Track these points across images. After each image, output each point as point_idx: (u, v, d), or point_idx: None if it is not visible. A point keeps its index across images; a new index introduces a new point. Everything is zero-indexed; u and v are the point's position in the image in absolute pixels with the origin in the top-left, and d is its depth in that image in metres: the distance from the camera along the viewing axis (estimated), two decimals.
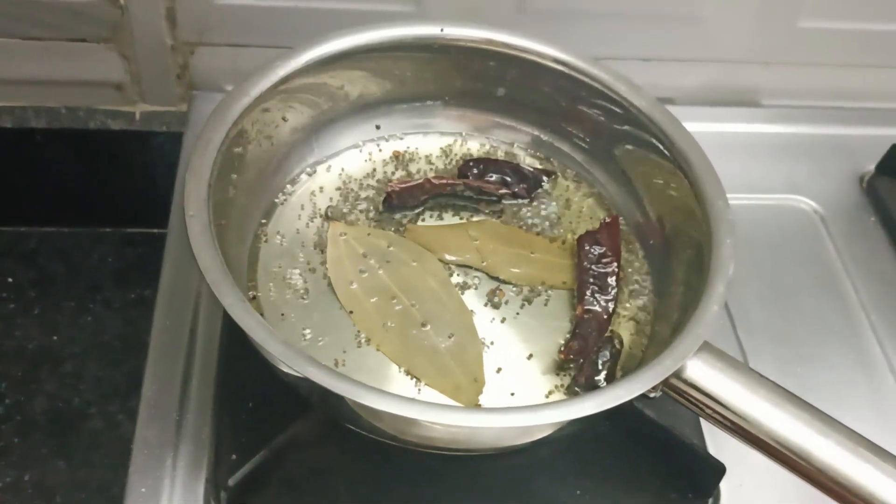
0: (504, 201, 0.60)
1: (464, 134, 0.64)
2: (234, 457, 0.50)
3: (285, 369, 0.43)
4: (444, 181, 0.59)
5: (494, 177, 0.60)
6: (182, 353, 0.55)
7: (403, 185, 0.57)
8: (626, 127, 0.59)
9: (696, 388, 0.46)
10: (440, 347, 0.51)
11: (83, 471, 0.67)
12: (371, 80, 0.60)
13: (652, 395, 0.45)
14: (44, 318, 0.74)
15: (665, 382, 0.45)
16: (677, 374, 0.45)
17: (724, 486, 0.53)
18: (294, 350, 0.43)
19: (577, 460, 0.53)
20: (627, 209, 0.61)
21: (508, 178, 0.60)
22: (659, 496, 0.53)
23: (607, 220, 0.58)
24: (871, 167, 0.75)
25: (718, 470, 0.52)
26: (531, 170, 0.61)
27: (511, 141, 0.64)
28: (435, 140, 0.63)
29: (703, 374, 0.46)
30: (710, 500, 0.53)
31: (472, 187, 0.59)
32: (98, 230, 0.79)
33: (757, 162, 0.74)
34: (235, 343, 0.53)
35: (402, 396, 0.42)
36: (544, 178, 0.61)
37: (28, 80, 0.70)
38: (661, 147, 0.57)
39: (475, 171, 0.60)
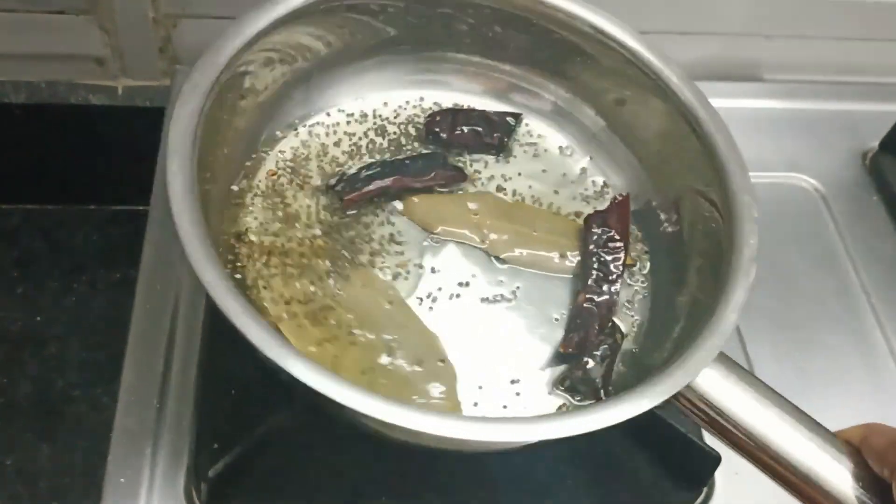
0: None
1: (479, 94, 0.60)
2: (215, 446, 0.49)
3: (267, 361, 0.41)
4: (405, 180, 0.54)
5: (465, 129, 0.57)
6: (163, 338, 0.54)
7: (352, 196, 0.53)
8: (653, 101, 0.55)
9: (705, 402, 0.42)
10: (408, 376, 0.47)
11: (67, 455, 0.66)
12: (359, 32, 0.56)
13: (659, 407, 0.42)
14: (27, 298, 0.73)
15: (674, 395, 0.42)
16: (688, 386, 0.42)
17: (719, 475, 0.52)
18: (278, 339, 0.39)
19: (570, 450, 0.52)
20: (641, 191, 0.57)
21: (480, 129, 0.57)
22: (654, 486, 0.52)
23: (618, 198, 0.55)
24: (875, 144, 0.73)
25: (713, 459, 0.51)
26: (497, 115, 0.58)
27: (529, 107, 0.60)
28: (448, 96, 0.60)
29: (714, 385, 0.42)
30: (705, 490, 0.52)
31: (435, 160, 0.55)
32: (82, 208, 0.77)
33: (757, 138, 0.72)
34: (218, 327, 0.52)
35: (389, 400, 0.38)
36: (512, 121, 0.58)
37: (5, 53, 0.68)
38: (687, 131, 0.53)
39: (443, 125, 0.57)
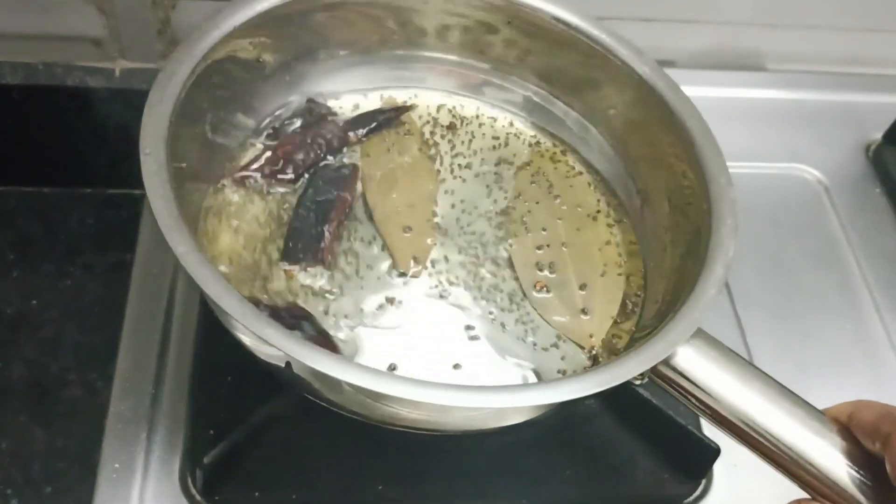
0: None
1: (452, 93, 0.61)
2: (211, 432, 0.49)
3: (240, 328, 0.40)
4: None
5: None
6: (159, 323, 0.54)
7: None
8: (625, 93, 0.56)
9: (685, 377, 0.42)
10: None
11: (61, 439, 0.65)
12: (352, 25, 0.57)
13: (638, 382, 0.42)
14: (21, 281, 0.71)
15: (653, 369, 0.42)
16: (666, 361, 0.42)
17: (718, 467, 0.52)
18: (250, 307, 0.39)
19: (566, 439, 0.52)
20: (619, 179, 0.58)
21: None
22: (651, 477, 0.52)
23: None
24: (878, 136, 0.72)
25: (712, 451, 0.50)
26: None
27: (501, 101, 0.61)
28: (424, 97, 0.61)
29: (694, 362, 0.42)
30: (703, 482, 0.52)
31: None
32: (78, 191, 0.75)
33: (760, 128, 0.71)
34: (215, 313, 0.51)
35: (361, 365, 0.39)
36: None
37: (2, 34, 0.67)
38: (662, 117, 0.53)
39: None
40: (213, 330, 0.52)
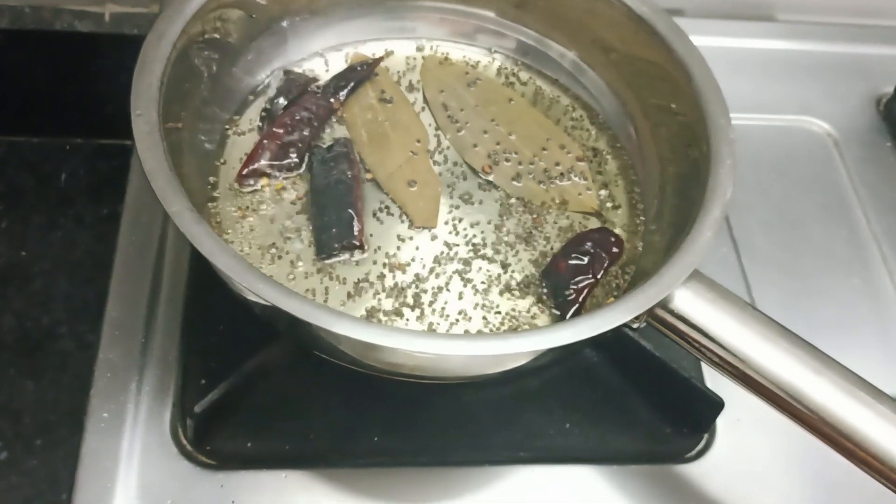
0: None
1: (444, 41, 0.60)
2: (202, 382, 0.48)
3: (235, 286, 0.39)
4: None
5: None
6: (149, 271, 0.52)
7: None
8: (625, 34, 0.54)
9: (683, 321, 0.42)
10: None
11: (52, 392, 0.64)
12: None
13: (635, 325, 0.42)
14: (11, 233, 0.70)
15: (650, 313, 0.42)
16: (663, 304, 0.42)
17: (721, 420, 0.51)
18: (245, 264, 0.39)
19: (566, 391, 0.50)
20: (619, 122, 0.57)
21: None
22: (652, 430, 0.50)
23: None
24: (890, 89, 0.71)
25: (716, 404, 0.49)
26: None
27: (493, 46, 0.60)
28: (408, 46, 0.59)
29: (692, 305, 0.42)
30: (706, 436, 0.51)
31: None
32: (69, 140, 0.74)
33: (769, 80, 0.69)
34: (206, 261, 0.50)
35: (357, 319, 0.39)
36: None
37: None
38: (662, 58, 0.52)
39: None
40: (204, 278, 0.51)
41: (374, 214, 0.51)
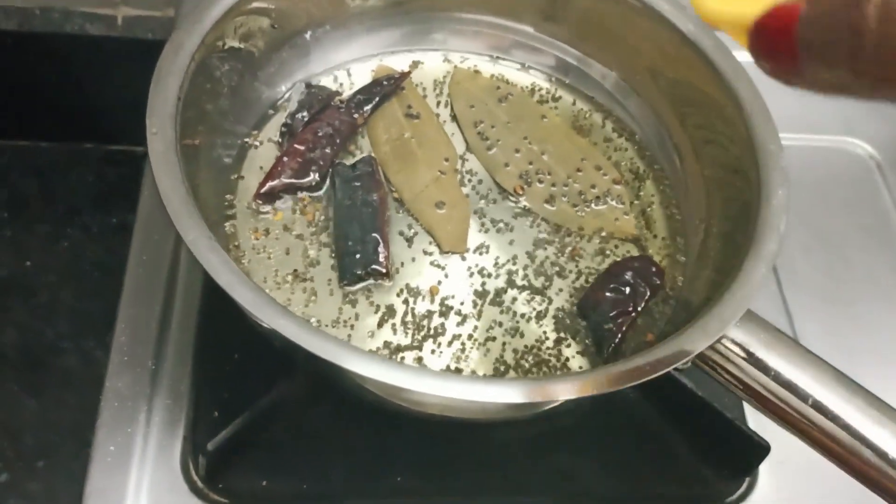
0: None
1: (475, 55, 0.57)
2: (215, 414, 0.46)
3: (254, 319, 0.37)
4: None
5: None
6: (160, 293, 0.50)
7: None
8: (667, 53, 0.52)
9: (732, 362, 0.40)
10: None
11: (55, 411, 0.62)
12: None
13: (680, 367, 0.39)
14: (16, 242, 0.69)
15: (698, 353, 0.39)
16: (712, 345, 0.39)
17: (764, 464, 0.48)
18: (265, 297, 0.37)
19: (601, 430, 0.48)
20: (657, 142, 0.54)
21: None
22: (691, 473, 0.48)
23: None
24: None
25: (762, 448, 0.46)
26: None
27: (531, 63, 0.57)
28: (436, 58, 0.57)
29: (744, 346, 0.39)
30: (748, 480, 0.48)
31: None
32: (77, 146, 0.73)
33: (810, 99, 0.66)
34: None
35: (380, 357, 0.38)
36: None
37: None
38: (707, 79, 0.50)
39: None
40: (218, 302, 0.48)
41: (401, 235, 0.48)
